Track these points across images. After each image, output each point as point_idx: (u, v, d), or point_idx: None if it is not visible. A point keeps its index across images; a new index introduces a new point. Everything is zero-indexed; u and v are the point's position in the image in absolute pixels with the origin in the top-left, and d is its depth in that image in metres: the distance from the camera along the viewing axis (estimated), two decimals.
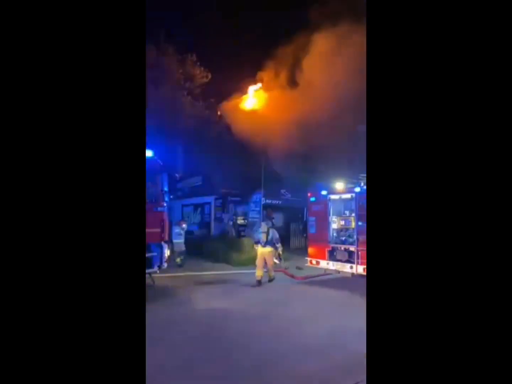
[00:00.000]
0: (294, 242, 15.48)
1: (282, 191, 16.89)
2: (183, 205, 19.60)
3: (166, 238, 7.25)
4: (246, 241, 13.57)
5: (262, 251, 8.62)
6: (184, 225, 11.97)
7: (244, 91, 17.96)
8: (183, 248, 11.39)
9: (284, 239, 15.29)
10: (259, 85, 17.52)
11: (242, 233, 15.37)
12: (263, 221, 10.58)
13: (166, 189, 7.25)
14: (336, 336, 4.78)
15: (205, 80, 18.97)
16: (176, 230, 11.52)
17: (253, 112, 17.07)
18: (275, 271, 9.16)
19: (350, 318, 5.56)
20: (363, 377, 3.35)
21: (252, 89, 17.85)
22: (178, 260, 11.17)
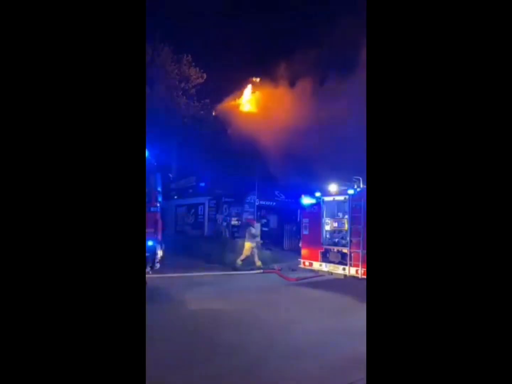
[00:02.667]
0: (288, 243, 15.50)
1: (276, 192, 16.92)
2: (176, 206, 19.54)
3: (159, 238, 7.22)
4: (239, 242, 13.57)
5: None
6: (257, 224, 11.25)
7: (239, 92, 17.97)
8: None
9: (278, 240, 15.36)
10: (254, 85, 17.54)
11: (236, 234, 15.36)
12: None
13: (159, 189, 7.22)
14: (328, 337, 4.79)
15: (200, 80, 18.95)
16: (253, 231, 10.85)
17: (248, 113, 17.08)
18: (268, 272, 9.29)
19: (343, 319, 5.59)
20: (355, 378, 3.38)
21: (247, 90, 17.87)
22: (259, 263, 10.66)
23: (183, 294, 7.33)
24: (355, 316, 5.44)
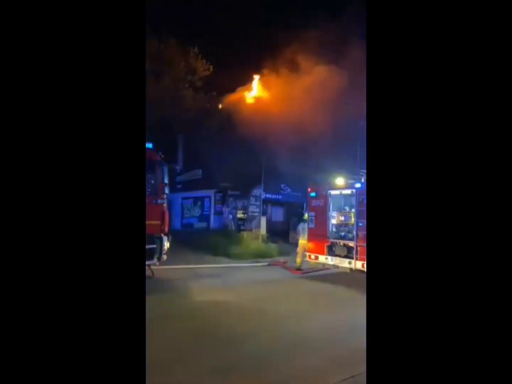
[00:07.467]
0: (293, 236, 15.52)
1: (282, 185, 16.90)
2: (183, 198, 19.63)
3: (166, 230, 7.26)
4: (245, 234, 13.62)
5: None
6: None
7: (245, 85, 17.87)
8: None
9: (284, 234, 15.39)
10: (261, 78, 17.44)
11: (242, 227, 15.42)
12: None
13: (166, 181, 7.25)
14: (332, 330, 4.81)
15: (207, 73, 18.87)
16: None
17: (254, 106, 17.00)
18: (273, 265, 9.36)
19: (347, 313, 5.59)
20: (359, 371, 3.39)
21: (254, 82, 17.77)
22: None
23: (189, 286, 7.39)
24: (359, 309, 5.44)
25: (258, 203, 14.95)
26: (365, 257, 7.64)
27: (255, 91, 17.93)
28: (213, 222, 17.31)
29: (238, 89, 18.09)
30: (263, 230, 14.47)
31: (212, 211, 17.56)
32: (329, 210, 8.88)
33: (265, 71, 17.02)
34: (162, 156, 7.31)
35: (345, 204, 8.92)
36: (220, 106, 19.07)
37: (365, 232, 7.70)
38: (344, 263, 8.22)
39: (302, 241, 9.58)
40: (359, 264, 7.79)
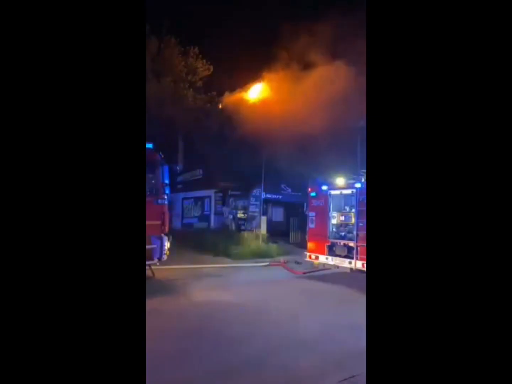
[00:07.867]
0: (294, 236, 15.53)
1: (283, 185, 16.90)
2: (183, 198, 19.64)
3: (167, 230, 7.27)
4: (246, 234, 13.61)
5: None
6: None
7: (245, 84, 17.86)
8: None
9: (284, 234, 15.38)
10: (261, 78, 17.42)
11: (242, 227, 15.43)
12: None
13: (167, 181, 7.26)
14: (332, 330, 4.81)
15: (207, 73, 18.89)
16: None
17: (254, 106, 16.99)
18: (274, 265, 9.34)
19: (347, 313, 5.59)
20: (359, 371, 3.39)
21: (254, 82, 17.76)
22: None
23: (189, 286, 7.38)
24: (359, 309, 5.44)
25: (258, 203, 14.95)
26: (365, 257, 7.64)
27: (255, 91, 17.93)
28: (213, 222, 17.31)
29: (238, 89, 18.08)
30: (263, 230, 14.46)
31: (213, 211, 17.57)
32: (330, 210, 8.88)
33: (265, 70, 17.02)
34: (162, 156, 7.31)
35: (346, 204, 8.92)
36: (220, 106, 19.07)
37: (365, 232, 7.70)
38: (345, 263, 8.22)
39: None
40: (360, 264, 7.79)
